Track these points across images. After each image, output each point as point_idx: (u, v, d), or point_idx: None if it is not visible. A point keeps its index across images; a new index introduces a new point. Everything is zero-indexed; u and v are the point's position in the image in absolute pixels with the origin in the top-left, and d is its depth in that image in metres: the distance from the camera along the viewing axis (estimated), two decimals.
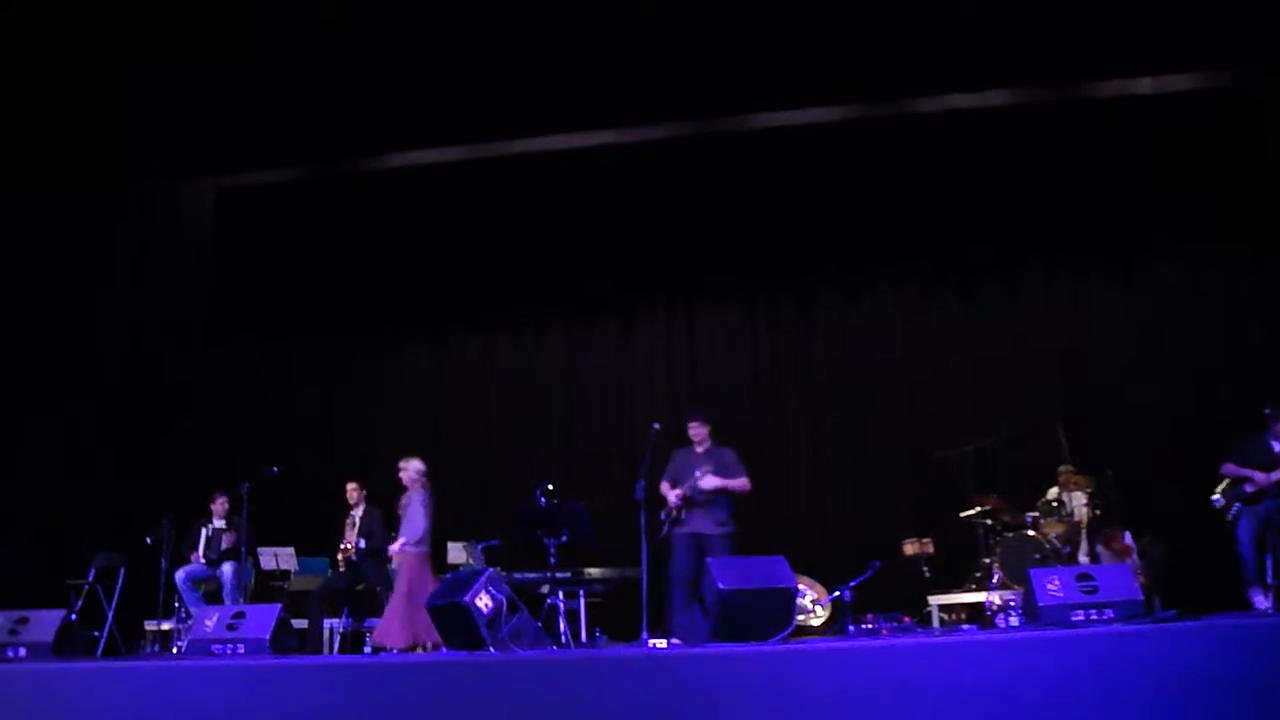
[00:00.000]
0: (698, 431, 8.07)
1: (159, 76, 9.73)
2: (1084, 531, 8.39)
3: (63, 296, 10.53)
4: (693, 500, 7.70)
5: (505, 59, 9.78)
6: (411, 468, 8.38)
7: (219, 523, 9.25)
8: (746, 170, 10.99)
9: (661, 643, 7.00)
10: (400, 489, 8.38)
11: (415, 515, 8.20)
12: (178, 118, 10.32)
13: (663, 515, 7.83)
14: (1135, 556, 7.98)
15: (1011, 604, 7.23)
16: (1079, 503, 8.68)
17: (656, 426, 7.55)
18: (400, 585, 7.97)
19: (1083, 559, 8.20)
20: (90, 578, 9.21)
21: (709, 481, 7.65)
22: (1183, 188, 10.05)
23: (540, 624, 6.69)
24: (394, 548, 8.16)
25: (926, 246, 10.83)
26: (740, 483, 7.78)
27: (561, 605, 7.63)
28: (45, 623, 6.33)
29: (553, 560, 7.78)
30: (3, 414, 9.86)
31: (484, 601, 5.99)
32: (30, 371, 10.22)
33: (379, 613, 8.73)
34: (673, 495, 7.77)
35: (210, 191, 12.14)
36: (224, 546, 8.96)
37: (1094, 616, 5.23)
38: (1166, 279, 10.33)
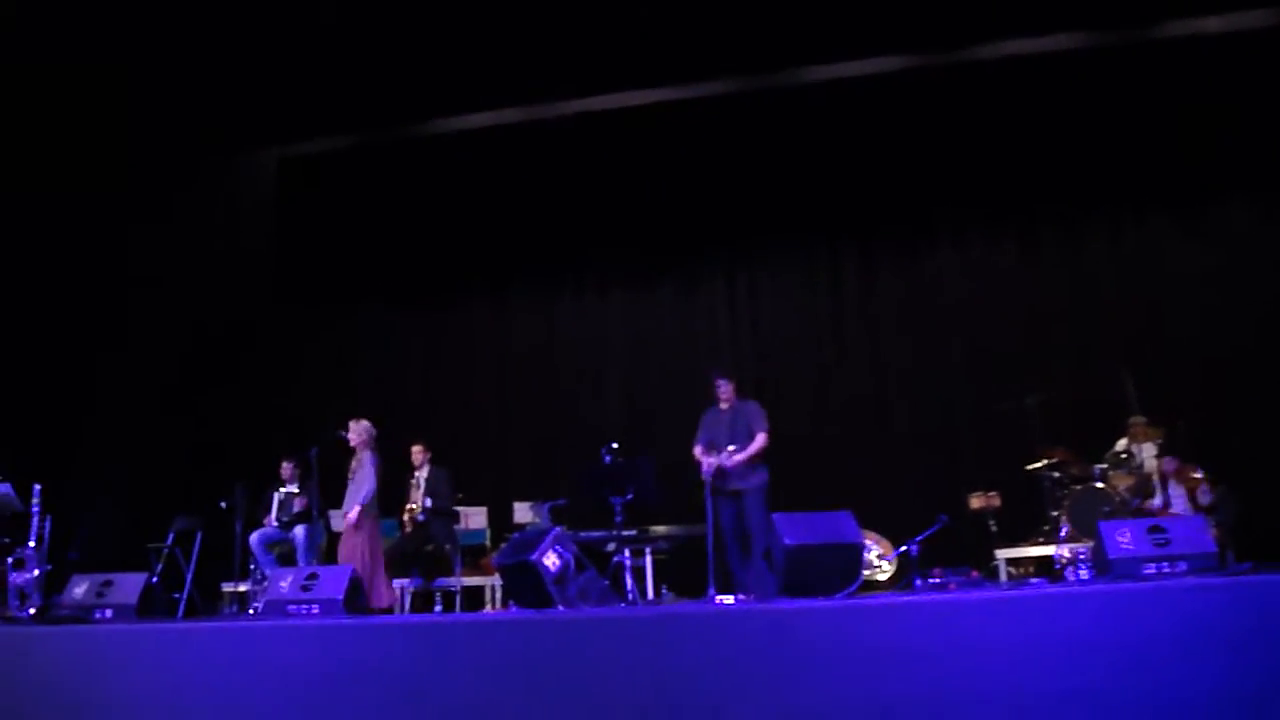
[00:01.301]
0: (723, 389, 8.14)
1: (220, 47, 9.84)
2: (1155, 483, 8.28)
3: (125, 267, 10.70)
4: (725, 472, 7.76)
5: (562, 18, 9.76)
6: (360, 428, 8.47)
7: (291, 487, 9.41)
8: (805, 124, 10.90)
9: (728, 599, 7.05)
10: (348, 452, 8.50)
11: (367, 477, 8.30)
12: (239, 87, 10.44)
13: (705, 477, 7.84)
14: (1206, 489, 7.81)
15: (1081, 557, 7.15)
16: (1149, 454, 8.55)
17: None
18: (366, 547, 8.09)
19: (1156, 504, 8.08)
20: (169, 542, 9.43)
21: (736, 459, 7.71)
22: (1253, 131, 9.80)
23: (607, 582, 6.74)
24: (351, 514, 8.20)
25: (989, 196, 10.68)
26: (757, 442, 7.80)
27: (628, 563, 7.69)
28: (129, 585, 6.49)
29: (619, 518, 7.82)
30: (78, 386, 10.09)
31: (551, 560, 6.05)
32: (103, 342, 10.43)
33: (448, 572, 8.89)
34: (705, 466, 7.80)
35: (272, 160, 12.29)
36: (296, 510, 9.11)
37: (1166, 570, 5.15)
38: (1236, 225, 10.07)
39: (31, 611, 7.46)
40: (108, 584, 6.52)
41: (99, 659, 4.99)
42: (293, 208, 12.24)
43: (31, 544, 7.91)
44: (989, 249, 10.78)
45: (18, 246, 9.99)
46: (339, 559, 8.20)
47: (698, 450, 8.03)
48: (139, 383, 10.45)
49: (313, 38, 9.85)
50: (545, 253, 11.71)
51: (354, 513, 8.15)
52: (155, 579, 7.00)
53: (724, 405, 8.13)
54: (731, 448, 7.74)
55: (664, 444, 9.16)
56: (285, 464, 9.46)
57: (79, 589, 6.55)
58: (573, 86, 11.02)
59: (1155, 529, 5.39)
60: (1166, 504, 8.00)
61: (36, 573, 7.81)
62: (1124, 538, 5.38)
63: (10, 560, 7.81)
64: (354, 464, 8.51)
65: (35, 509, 8.07)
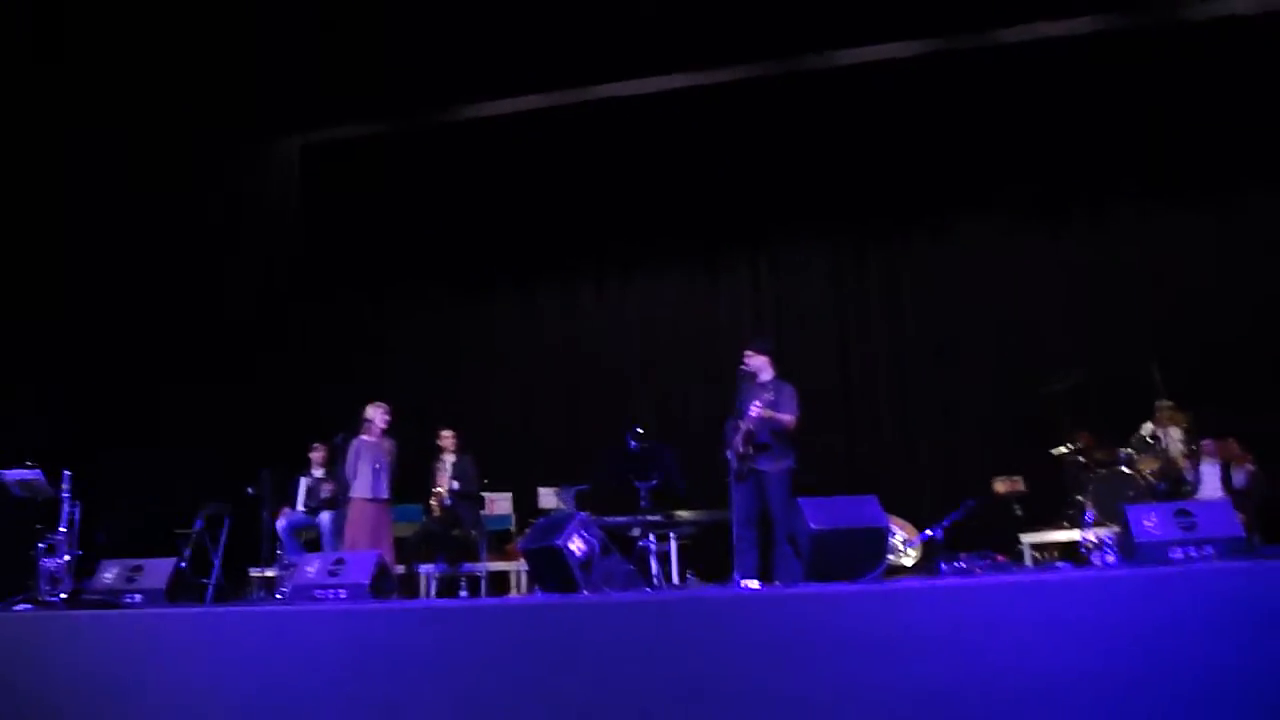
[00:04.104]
0: (752, 361, 7.78)
1: (242, 34, 9.87)
2: (1180, 467, 8.24)
3: (150, 256, 10.78)
4: (755, 437, 7.44)
5: (585, 2, 9.74)
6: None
7: (318, 472, 9.48)
8: (828, 108, 10.90)
9: (753, 583, 7.04)
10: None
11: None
12: (262, 73, 10.47)
13: (729, 457, 7.60)
14: (1243, 470, 7.73)
15: (1106, 542, 7.13)
16: (1175, 439, 8.51)
17: None
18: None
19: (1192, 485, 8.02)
20: (197, 528, 9.50)
21: (754, 410, 7.34)
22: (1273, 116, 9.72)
23: (632, 566, 6.76)
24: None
25: (1013, 181, 10.66)
26: (785, 418, 7.41)
27: (653, 548, 7.69)
28: (158, 571, 6.53)
29: (643, 503, 7.83)
30: (108, 368, 10.15)
31: (577, 545, 6.06)
32: (132, 330, 10.50)
33: (474, 557, 8.94)
34: (737, 438, 7.51)
35: (295, 147, 12.33)
36: (323, 496, 9.17)
37: (1193, 554, 5.12)
38: (1267, 211, 9.98)
39: (62, 596, 7.54)
40: (137, 569, 6.57)
41: (129, 643, 5.05)
42: (317, 195, 12.30)
43: (62, 529, 7.97)
44: (1016, 233, 10.75)
45: (45, 234, 10.05)
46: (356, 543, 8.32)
47: (730, 425, 7.69)
48: (167, 369, 10.50)
49: (334, 23, 9.86)
50: (569, 239, 11.74)
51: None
52: (184, 564, 7.04)
53: (759, 379, 7.73)
54: (756, 405, 7.36)
55: (688, 429, 9.17)
56: (316, 449, 9.52)
57: (109, 574, 6.61)
58: (596, 72, 11.02)
59: (1182, 513, 5.36)
60: (1196, 486, 7.95)
61: (67, 558, 7.88)
62: (1150, 522, 5.34)
63: (41, 545, 7.89)
64: (388, 446, 8.73)
65: (65, 495, 8.14)
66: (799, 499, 6.17)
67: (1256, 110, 9.80)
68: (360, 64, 10.49)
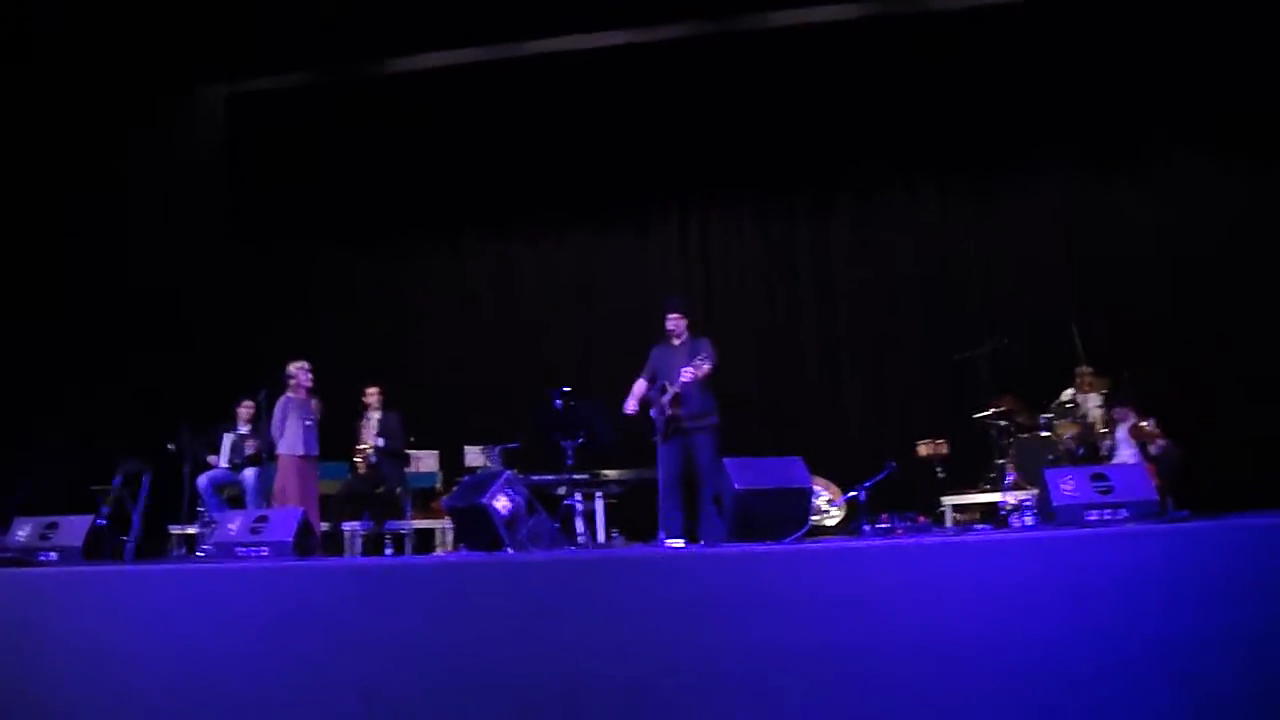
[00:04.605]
0: (676, 324, 7.86)
1: None
2: (1098, 432, 8.41)
3: (80, 206, 10.49)
4: (682, 400, 7.50)
5: None
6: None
7: (243, 428, 9.33)
8: (760, 70, 10.89)
9: (678, 542, 7.09)
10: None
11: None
12: (186, 21, 10.19)
13: (654, 416, 7.70)
14: (1159, 442, 7.91)
15: (1026, 504, 7.28)
16: (1093, 404, 8.69)
17: None
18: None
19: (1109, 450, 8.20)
20: (116, 484, 9.32)
21: (687, 374, 7.37)
22: (1201, 84, 9.93)
23: (558, 525, 6.77)
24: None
25: (942, 146, 10.75)
26: (705, 367, 7.43)
27: (579, 506, 7.72)
28: (74, 528, 6.42)
29: (570, 462, 7.84)
30: (24, 323, 9.90)
31: (502, 503, 6.06)
32: (49, 281, 10.23)
33: (399, 514, 8.90)
34: (663, 399, 7.58)
35: (221, 97, 12.04)
36: (248, 452, 9.05)
37: (1108, 516, 5.25)
38: (1184, 178, 10.19)
39: None
40: (52, 526, 6.45)
41: (43, 601, 4.94)
42: (243, 147, 12.03)
43: None
44: (941, 199, 10.86)
45: None
46: (285, 499, 8.24)
47: (638, 385, 7.84)
48: (86, 323, 10.26)
49: None
50: (500, 196, 11.63)
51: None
52: (102, 522, 6.90)
53: (676, 341, 7.85)
54: (687, 370, 7.38)
55: (617, 388, 9.15)
56: (243, 403, 9.36)
57: (23, 531, 6.48)
58: (529, 28, 10.88)
59: (1098, 476, 5.49)
60: (1113, 451, 8.12)
61: None
62: (1068, 485, 5.46)
63: None
64: (315, 404, 8.70)
65: None
66: (725, 460, 6.22)
67: (1175, 79, 9.98)
68: (287, 12, 10.23)
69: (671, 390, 7.51)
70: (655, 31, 10.92)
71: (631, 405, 7.75)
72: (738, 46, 10.90)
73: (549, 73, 11.19)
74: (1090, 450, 8.39)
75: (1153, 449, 7.80)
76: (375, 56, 11.43)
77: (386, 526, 8.97)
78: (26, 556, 6.33)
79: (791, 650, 3.89)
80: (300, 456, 8.48)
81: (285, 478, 8.44)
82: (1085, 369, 8.87)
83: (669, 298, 8.37)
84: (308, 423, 8.54)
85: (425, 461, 10.03)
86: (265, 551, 5.99)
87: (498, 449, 9.50)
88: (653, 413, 7.70)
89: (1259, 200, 9.82)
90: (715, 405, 7.67)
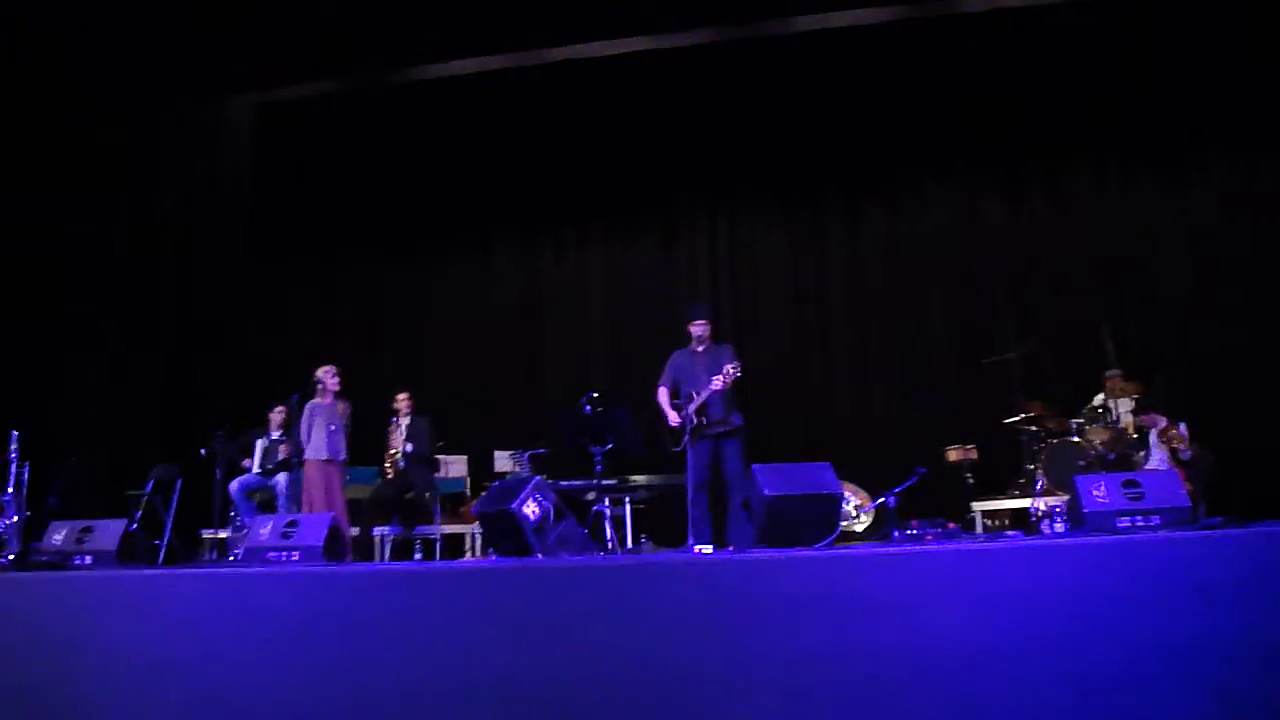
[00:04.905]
0: (701, 329, 7.89)
1: None
2: (1131, 436, 8.35)
3: (107, 216, 10.58)
4: (707, 409, 7.56)
5: None
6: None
7: (276, 434, 9.40)
8: (789, 74, 10.84)
9: (707, 548, 7.09)
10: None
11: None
12: (215, 31, 10.26)
13: (675, 423, 7.73)
14: (1186, 448, 7.83)
15: (1056, 511, 7.23)
16: (1125, 409, 8.62)
17: None
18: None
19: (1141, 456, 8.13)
20: (148, 489, 9.41)
21: (717, 383, 7.38)
22: (1239, 89, 9.81)
23: (586, 530, 6.77)
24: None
25: (975, 150, 10.70)
26: (736, 374, 7.40)
27: (607, 512, 7.71)
28: (108, 532, 6.46)
29: (598, 468, 7.85)
30: (57, 333, 10.00)
31: (531, 508, 6.07)
32: (83, 288, 10.33)
33: (428, 519, 8.94)
34: (690, 408, 7.62)
35: (250, 107, 12.12)
36: (280, 457, 9.11)
37: (1140, 523, 5.20)
38: (1219, 183, 10.11)
39: (10, 558, 7.45)
40: (87, 530, 6.50)
41: (78, 605, 4.99)
42: (271, 156, 12.10)
43: (10, 490, 7.87)
44: (972, 203, 10.81)
45: None
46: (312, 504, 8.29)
47: (662, 393, 7.91)
48: (119, 329, 10.36)
49: None
50: (527, 203, 11.68)
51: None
52: (135, 526, 6.96)
53: (699, 349, 7.89)
54: (718, 378, 7.41)
55: (644, 393, 9.16)
56: (276, 409, 9.43)
57: (58, 535, 6.53)
58: (556, 34, 10.87)
59: (1130, 483, 5.43)
60: (1145, 457, 8.06)
61: (15, 519, 7.79)
62: (1099, 491, 5.41)
63: None
64: (342, 408, 8.71)
65: (14, 455, 8.03)
66: (754, 465, 6.21)
67: (1214, 84, 9.88)
68: (316, 22, 10.28)
69: (698, 399, 7.55)
70: (680, 37, 10.89)
71: (674, 417, 7.76)
72: (764, 51, 10.87)
73: (575, 79, 11.20)
74: (1121, 456, 8.33)
75: (1182, 454, 7.73)
76: (400, 64, 11.44)
77: (416, 532, 9.00)
78: (62, 560, 6.39)
79: (822, 656, 3.87)
80: (324, 461, 8.52)
81: (311, 482, 8.50)
82: (1116, 373, 8.81)
83: (694, 306, 8.40)
84: (332, 427, 8.57)
85: (454, 467, 10.07)
86: (296, 556, 6.01)
87: (526, 454, 9.53)
88: (675, 420, 7.74)
89: None
90: (742, 410, 7.68)
